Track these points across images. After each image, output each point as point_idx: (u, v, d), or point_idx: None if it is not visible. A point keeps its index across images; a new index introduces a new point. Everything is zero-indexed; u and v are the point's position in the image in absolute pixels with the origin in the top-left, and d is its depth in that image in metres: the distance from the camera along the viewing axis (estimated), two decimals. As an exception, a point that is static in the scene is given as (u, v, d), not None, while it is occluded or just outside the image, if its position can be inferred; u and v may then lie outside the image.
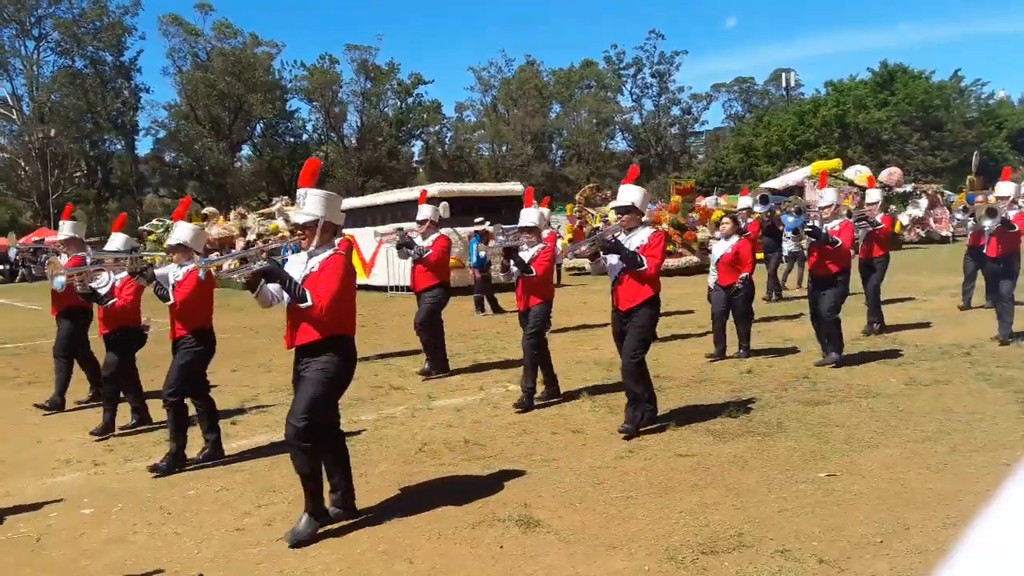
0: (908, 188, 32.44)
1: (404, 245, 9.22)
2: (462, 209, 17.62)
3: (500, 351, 10.50)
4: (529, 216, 7.45)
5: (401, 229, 9.58)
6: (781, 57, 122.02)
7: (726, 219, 9.63)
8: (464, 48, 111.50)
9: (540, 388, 7.47)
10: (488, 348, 10.77)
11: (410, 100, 67.49)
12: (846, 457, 5.32)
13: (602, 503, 4.70)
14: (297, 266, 4.55)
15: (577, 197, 27.07)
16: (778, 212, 10.67)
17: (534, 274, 7.22)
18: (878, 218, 10.72)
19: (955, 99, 55.93)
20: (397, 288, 18.64)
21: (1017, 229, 9.14)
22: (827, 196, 8.76)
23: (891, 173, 31.88)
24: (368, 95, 65.52)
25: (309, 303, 4.31)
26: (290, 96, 65.21)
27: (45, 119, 53.63)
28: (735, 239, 9.33)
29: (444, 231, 9.62)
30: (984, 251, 9.87)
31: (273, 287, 4.53)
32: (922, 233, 34.46)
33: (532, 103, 66.23)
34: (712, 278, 9.58)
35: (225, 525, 4.66)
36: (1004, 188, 9.69)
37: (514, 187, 20.77)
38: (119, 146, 61.48)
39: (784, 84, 66.14)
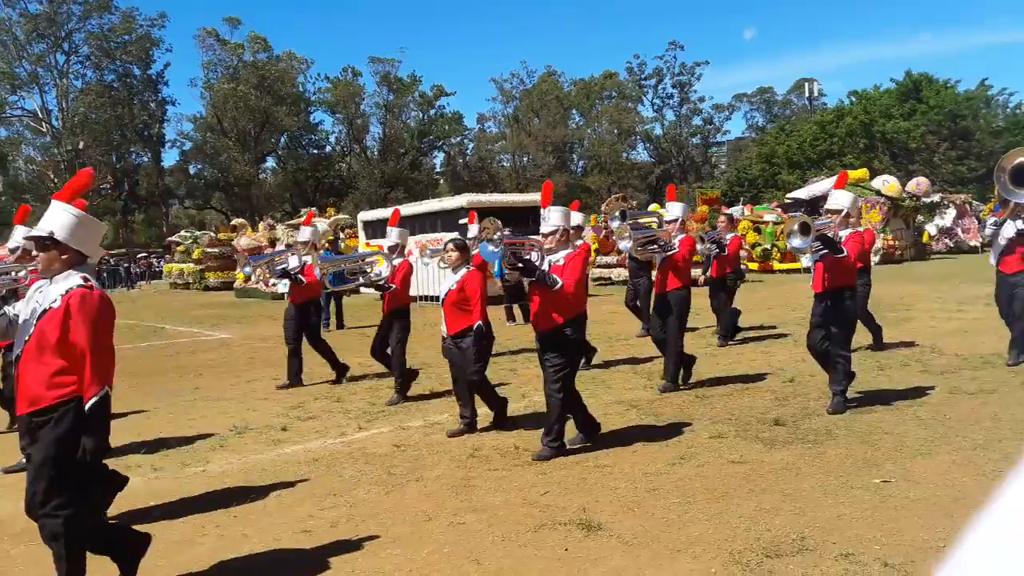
0: (936, 198, 32.30)
1: None
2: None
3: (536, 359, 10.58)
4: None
5: None
6: (802, 68, 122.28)
7: (450, 245, 7.14)
8: (486, 60, 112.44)
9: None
10: (527, 356, 10.85)
11: (432, 112, 68.04)
12: (898, 464, 5.35)
13: (660, 508, 4.77)
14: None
15: (603, 208, 27.11)
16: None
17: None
18: (675, 241, 8.32)
19: (982, 109, 55.54)
20: (425, 298, 18.87)
21: (846, 254, 6.74)
22: (551, 218, 6.13)
23: (918, 183, 31.75)
24: (390, 107, 66.13)
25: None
26: (314, 108, 66.01)
27: (75, 132, 54.51)
28: (463, 271, 6.94)
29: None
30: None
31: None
32: (950, 243, 34.20)
33: (553, 114, 66.47)
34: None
35: (291, 527, 4.77)
36: (837, 199, 7.20)
37: (539, 197, 20.95)
38: (145, 158, 62.41)
39: (807, 94, 66.02)
